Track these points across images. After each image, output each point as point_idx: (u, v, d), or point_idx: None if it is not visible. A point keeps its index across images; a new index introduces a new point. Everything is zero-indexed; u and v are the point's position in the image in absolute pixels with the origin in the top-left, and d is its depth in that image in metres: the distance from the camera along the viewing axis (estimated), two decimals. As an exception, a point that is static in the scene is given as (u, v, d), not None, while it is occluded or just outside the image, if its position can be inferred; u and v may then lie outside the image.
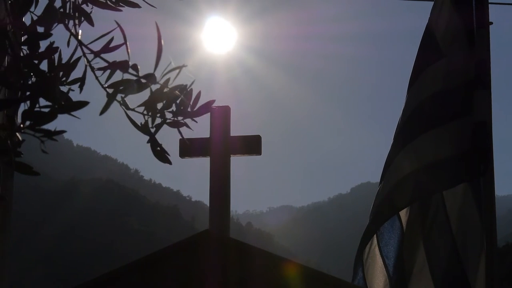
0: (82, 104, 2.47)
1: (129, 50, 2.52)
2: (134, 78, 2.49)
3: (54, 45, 2.53)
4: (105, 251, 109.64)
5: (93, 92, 2.59)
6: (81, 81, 2.54)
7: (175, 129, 2.61)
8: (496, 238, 6.35)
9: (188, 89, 2.55)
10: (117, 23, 2.51)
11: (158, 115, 2.55)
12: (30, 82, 2.49)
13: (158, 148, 2.58)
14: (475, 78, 6.46)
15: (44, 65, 2.52)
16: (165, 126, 2.60)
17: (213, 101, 2.61)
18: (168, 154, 2.60)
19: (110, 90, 2.51)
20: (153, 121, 2.55)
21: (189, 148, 6.72)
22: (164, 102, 2.54)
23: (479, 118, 6.36)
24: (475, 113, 6.36)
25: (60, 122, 2.51)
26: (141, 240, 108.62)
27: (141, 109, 2.55)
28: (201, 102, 2.60)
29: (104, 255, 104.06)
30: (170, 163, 2.61)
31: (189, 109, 2.57)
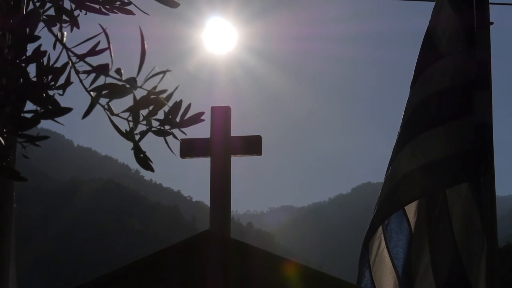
0: (66, 110, 2.45)
1: (112, 54, 2.49)
2: (119, 82, 2.46)
3: (42, 49, 2.48)
4: (105, 251, 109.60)
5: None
6: (64, 85, 2.50)
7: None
8: (496, 238, 6.36)
9: (171, 95, 2.51)
10: (101, 26, 2.48)
11: (144, 122, 2.52)
12: (17, 86, 2.45)
13: (141, 155, 2.56)
14: (475, 79, 6.46)
15: (31, 68, 2.49)
16: None
17: (202, 113, 2.57)
18: (151, 161, 2.58)
19: (94, 94, 2.48)
20: (135, 127, 2.52)
21: (189, 149, 6.72)
22: (150, 108, 2.51)
23: (479, 119, 6.36)
24: (476, 114, 6.36)
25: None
26: (141, 241, 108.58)
27: (126, 115, 2.52)
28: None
29: (104, 255, 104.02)
30: (152, 170, 2.59)
31: (177, 119, 2.54)
